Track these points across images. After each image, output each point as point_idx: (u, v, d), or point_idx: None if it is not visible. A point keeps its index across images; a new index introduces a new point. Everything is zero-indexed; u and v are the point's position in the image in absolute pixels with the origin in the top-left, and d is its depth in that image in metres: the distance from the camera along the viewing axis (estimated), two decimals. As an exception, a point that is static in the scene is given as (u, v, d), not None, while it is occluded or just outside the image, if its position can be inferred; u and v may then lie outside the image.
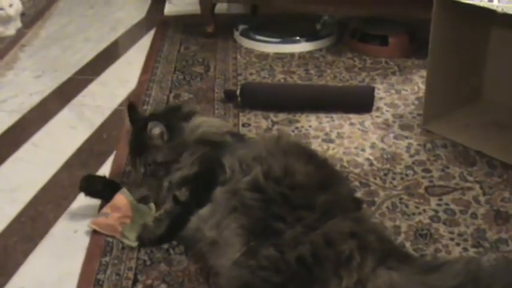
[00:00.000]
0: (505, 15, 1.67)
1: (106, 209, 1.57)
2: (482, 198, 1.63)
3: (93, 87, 2.37)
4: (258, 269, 1.23)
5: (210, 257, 1.38)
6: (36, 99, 2.26)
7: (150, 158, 1.58)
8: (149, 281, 1.38)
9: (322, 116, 2.07)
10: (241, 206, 1.35)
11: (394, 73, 2.40)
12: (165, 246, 1.48)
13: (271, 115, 2.08)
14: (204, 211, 1.43)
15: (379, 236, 1.32)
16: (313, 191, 1.36)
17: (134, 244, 1.50)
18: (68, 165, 1.85)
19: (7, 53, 2.66)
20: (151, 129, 1.57)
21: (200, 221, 1.42)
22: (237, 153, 1.51)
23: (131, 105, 1.71)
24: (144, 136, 1.59)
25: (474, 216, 1.57)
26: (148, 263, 1.44)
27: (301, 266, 1.21)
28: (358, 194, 1.64)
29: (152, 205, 1.58)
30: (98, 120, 2.11)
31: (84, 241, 1.52)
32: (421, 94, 2.20)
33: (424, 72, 2.36)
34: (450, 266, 1.22)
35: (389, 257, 1.25)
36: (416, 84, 2.29)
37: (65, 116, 2.16)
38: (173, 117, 1.65)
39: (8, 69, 2.52)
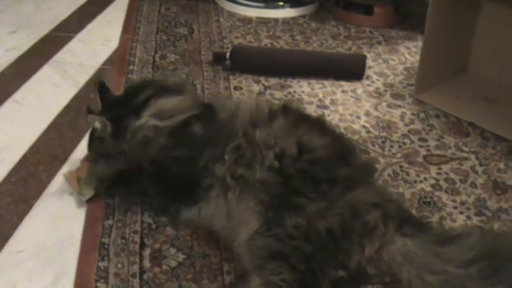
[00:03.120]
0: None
1: (81, 160, 1.55)
2: (479, 169, 1.65)
3: (73, 45, 2.27)
4: (287, 237, 1.19)
5: (221, 240, 1.34)
6: (13, 55, 2.16)
7: (95, 145, 1.47)
8: (157, 245, 1.34)
9: (313, 82, 2.05)
10: (260, 185, 1.29)
11: (379, 43, 2.39)
12: (171, 209, 1.43)
13: (262, 79, 2.05)
14: (207, 211, 1.35)
15: (398, 206, 1.32)
16: (332, 164, 1.33)
17: (83, 198, 1.46)
18: (56, 124, 1.78)
19: (-25, 7, 2.54)
20: (92, 122, 1.44)
21: (204, 218, 1.36)
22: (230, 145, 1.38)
23: (102, 84, 1.53)
24: None
25: (474, 185, 1.58)
26: (153, 226, 1.40)
27: (330, 237, 1.19)
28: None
29: None
30: (82, 78, 2.03)
31: (82, 203, 1.46)
32: (408, 64, 2.22)
33: (409, 43, 2.39)
34: (466, 238, 1.22)
35: (406, 223, 1.25)
36: (403, 55, 2.30)
37: (46, 73, 2.06)
38: (125, 107, 1.45)
39: (-22, 24, 2.40)
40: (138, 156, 1.40)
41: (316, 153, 1.33)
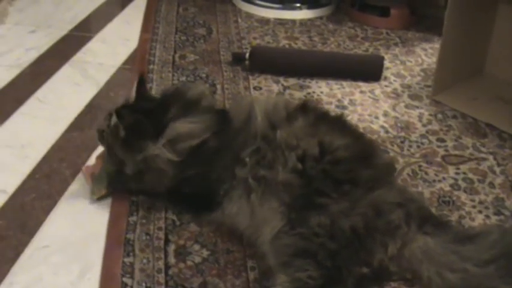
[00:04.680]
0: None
1: (96, 157, 1.57)
2: (497, 169, 1.66)
3: (93, 44, 2.30)
4: (313, 235, 1.20)
5: (245, 237, 1.35)
6: (33, 55, 2.19)
7: (108, 134, 1.46)
8: (181, 242, 1.36)
9: (332, 82, 2.07)
10: (283, 186, 1.30)
11: (396, 44, 2.41)
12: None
13: (281, 79, 2.07)
14: (231, 211, 1.36)
15: (419, 205, 1.33)
16: (354, 164, 1.33)
17: (93, 196, 1.48)
18: (78, 122, 1.80)
19: (-5, 6, 2.56)
20: (110, 119, 1.45)
21: (227, 218, 1.37)
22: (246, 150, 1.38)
23: (141, 78, 1.54)
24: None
25: (492, 185, 1.59)
26: (177, 223, 1.41)
27: (355, 235, 1.21)
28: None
29: None
30: (103, 78, 2.05)
31: (106, 200, 1.48)
32: (425, 66, 2.23)
33: (426, 45, 2.40)
34: (485, 237, 1.23)
35: (426, 222, 1.27)
36: (420, 56, 2.31)
37: (67, 72, 2.09)
38: (150, 122, 1.42)
39: (-1, 23, 2.44)
40: (151, 183, 1.43)
41: (337, 154, 1.33)
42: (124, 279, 1.25)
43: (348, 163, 1.32)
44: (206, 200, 1.39)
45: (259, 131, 1.39)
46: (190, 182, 1.40)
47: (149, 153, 1.39)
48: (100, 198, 1.48)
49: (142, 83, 1.53)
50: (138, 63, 2.14)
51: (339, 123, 1.47)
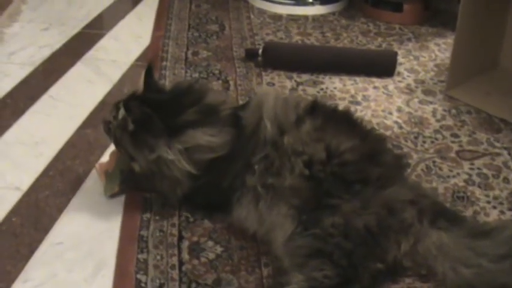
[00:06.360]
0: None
1: (110, 154, 1.55)
2: (511, 164, 1.65)
3: (105, 42, 2.31)
4: (327, 236, 1.20)
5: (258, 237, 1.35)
6: (46, 52, 2.20)
7: (116, 127, 1.43)
8: (195, 238, 1.36)
9: (345, 78, 2.07)
10: (290, 191, 1.29)
11: (409, 39, 2.40)
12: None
13: (295, 75, 2.07)
14: (240, 215, 1.36)
15: (432, 200, 1.33)
16: (363, 164, 1.31)
17: (107, 193, 1.48)
18: (91, 119, 1.80)
19: (8, 4, 2.57)
20: (119, 111, 1.41)
21: (236, 221, 1.37)
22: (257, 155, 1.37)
23: (149, 68, 1.48)
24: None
25: (506, 181, 1.58)
26: (191, 219, 1.42)
27: (369, 234, 1.20)
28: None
29: None
30: (116, 75, 2.06)
31: (120, 197, 1.49)
32: (439, 61, 2.22)
33: (439, 40, 2.39)
34: (501, 232, 1.23)
35: (440, 217, 1.26)
36: (433, 52, 2.30)
37: (80, 69, 2.10)
38: (163, 119, 1.38)
39: (12, 21, 2.44)
40: (162, 189, 1.41)
41: (345, 157, 1.31)
42: (138, 275, 1.26)
43: (356, 164, 1.31)
44: (218, 207, 1.40)
45: (268, 138, 1.38)
46: (202, 191, 1.40)
47: (163, 156, 1.35)
48: (113, 196, 1.49)
49: (150, 72, 1.48)
50: (150, 60, 2.13)
51: (346, 122, 1.45)
